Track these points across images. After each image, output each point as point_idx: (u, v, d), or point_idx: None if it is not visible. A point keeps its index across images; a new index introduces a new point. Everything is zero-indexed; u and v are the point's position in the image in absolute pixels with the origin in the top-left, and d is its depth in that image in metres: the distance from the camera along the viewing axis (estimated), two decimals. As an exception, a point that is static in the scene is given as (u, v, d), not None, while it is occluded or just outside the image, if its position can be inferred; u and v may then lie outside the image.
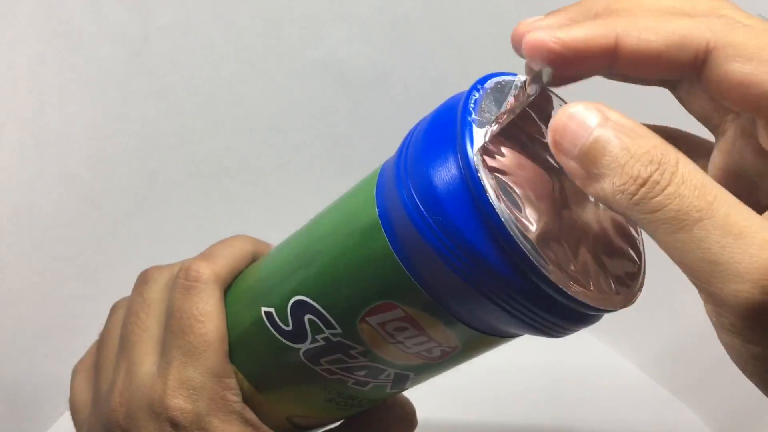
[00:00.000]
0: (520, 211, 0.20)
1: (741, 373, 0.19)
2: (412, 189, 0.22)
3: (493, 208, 0.20)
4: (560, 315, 0.21)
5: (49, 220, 0.48)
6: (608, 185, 0.18)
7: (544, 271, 0.20)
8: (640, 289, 0.23)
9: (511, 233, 0.20)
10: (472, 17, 0.53)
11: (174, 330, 0.28)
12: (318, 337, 0.26)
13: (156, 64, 0.52)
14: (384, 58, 0.54)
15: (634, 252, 0.24)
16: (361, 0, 0.53)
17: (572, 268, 0.21)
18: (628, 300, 0.22)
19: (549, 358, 0.55)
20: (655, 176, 0.17)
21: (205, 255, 0.30)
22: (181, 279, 0.29)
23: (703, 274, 0.17)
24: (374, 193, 0.24)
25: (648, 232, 0.18)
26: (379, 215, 0.23)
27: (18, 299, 0.47)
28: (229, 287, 0.30)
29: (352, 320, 0.25)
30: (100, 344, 0.32)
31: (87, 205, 0.51)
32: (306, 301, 0.25)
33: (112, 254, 0.53)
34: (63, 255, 0.50)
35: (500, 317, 0.22)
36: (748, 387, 0.21)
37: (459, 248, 0.21)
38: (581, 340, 0.57)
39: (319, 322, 0.25)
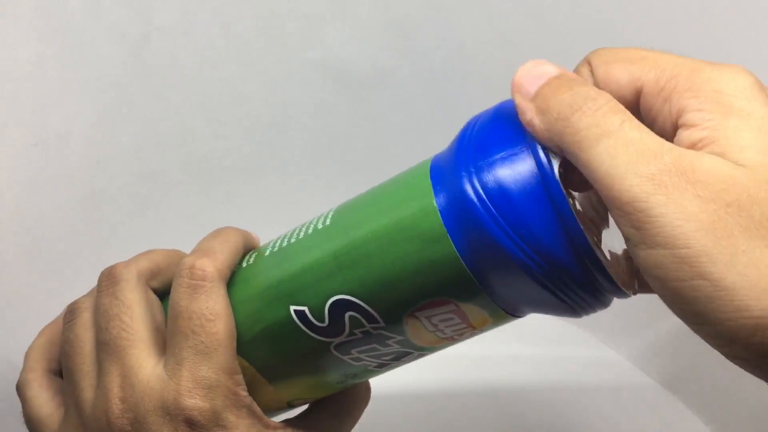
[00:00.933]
0: (584, 220, 0.22)
1: (731, 362, 0.20)
2: (491, 206, 0.23)
3: (577, 222, 0.22)
4: (602, 301, 0.24)
5: (49, 220, 0.48)
6: (551, 115, 0.21)
7: (610, 271, 0.22)
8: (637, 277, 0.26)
9: (590, 243, 0.22)
10: (472, 17, 0.53)
11: (183, 331, 0.28)
12: (357, 331, 0.26)
13: (156, 64, 0.52)
14: (384, 58, 0.54)
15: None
16: (361, 0, 0.53)
17: (613, 263, 0.23)
18: (633, 286, 0.25)
19: (537, 350, 0.56)
20: (589, 104, 0.21)
21: (205, 251, 0.29)
22: (186, 278, 0.28)
23: (610, 181, 0.19)
24: (433, 200, 0.24)
25: (572, 154, 0.21)
26: (444, 224, 0.24)
27: (18, 299, 0.47)
28: (229, 282, 0.30)
29: (400, 316, 0.25)
30: (69, 351, 0.30)
31: (87, 205, 0.51)
32: (349, 300, 0.26)
33: (112, 254, 0.53)
34: (63, 255, 0.50)
35: (554, 307, 0.24)
36: (737, 375, 0.20)
37: (541, 257, 0.22)
38: (570, 332, 0.58)
39: (361, 318, 0.26)
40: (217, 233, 0.31)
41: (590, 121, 0.20)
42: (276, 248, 0.30)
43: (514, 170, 0.22)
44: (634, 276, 0.25)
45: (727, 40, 0.47)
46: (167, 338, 0.29)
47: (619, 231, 0.21)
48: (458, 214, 0.23)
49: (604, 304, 0.24)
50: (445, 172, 0.24)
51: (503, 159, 0.23)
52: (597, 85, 0.23)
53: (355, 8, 0.53)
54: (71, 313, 0.32)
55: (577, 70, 0.24)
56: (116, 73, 0.50)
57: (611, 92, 0.22)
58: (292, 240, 0.29)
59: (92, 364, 0.30)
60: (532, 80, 0.23)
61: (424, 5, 0.53)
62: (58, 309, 0.50)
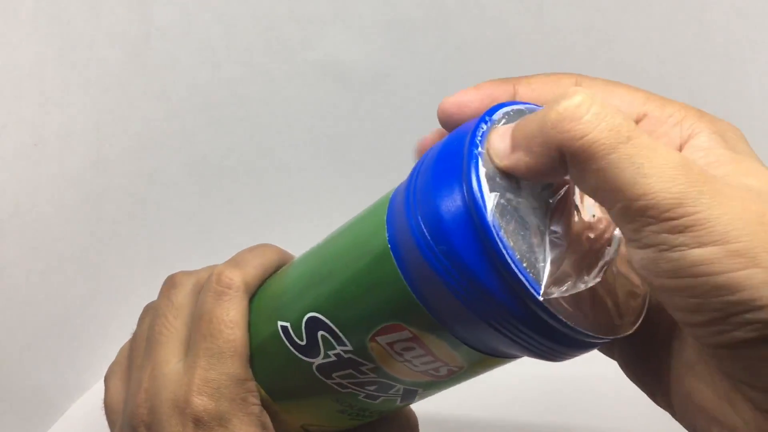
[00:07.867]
0: (526, 242, 0.21)
1: None
2: (420, 218, 0.22)
3: (502, 252, 0.20)
4: (559, 341, 0.22)
5: (49, 220, 0.48)
6: (552, 114, 0.20)
7: (538, 297, 0.20)
8: (638, 320, 0.23)
9: (511, 262, 0.20)
10: (472, 17, 0.53)
11: (203, 332, 0.29)
12: (330, 352, 0.27)
13: (156, 64, 0.52)
14: (384, 58, 0.54)
15: (637, 289, 0.24)
16: (361, 0, 0.53)
17: (574, 296, 0.21)
18: (626, 328, 0.23)
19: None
20: (588, 103, 0.19)
21: (237, 262, 0.31)
22: (214, 284, 0.30)
23: (639, 189, 0.19)
24: (385, 218, 0.24)
25: (582, 163, 0.19)
26: (389, 241, 0.24)
27: (18, 299, 0.47)
28: (252, 296, 0.31)
29: (362, 339, 0.25)
30: (132, 347, 0.33)
31: (87, 205, 0.51)
32: (319, 318, 0.26)
33: (112, 254, 0.53)
34: (63, 255, 0.50)
35: (502, 341, 0.23)
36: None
37: (462, 276, 0.21)
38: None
39: (331, 339, 0.26)
40: (254, 248, 0.33)
41: (597, 120, 0.19)
42: (287, 265, 0.31)
43: (446, 194, 0.22)
44: (625, 312, 0.23)
45: (727, 40, 0.47)
46: (190, 337, 0.30)
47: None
48: (399, 233, 0.24)
49: (573, 347, 0.22)
50: (398, 195, 0.25)
51: (439, 182, 0.22)
52: None
53: (356, 9, 0.53)
54: (144, 312, 0.34)
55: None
56: (116, 73, 0.50)
57: None
58: (299, 259, 0.30)
59: (142, 359, 0.31)
60: (499, 140, 0.22)
61: (424, 6, 0.53)
62: (57, 309, 0.50)
